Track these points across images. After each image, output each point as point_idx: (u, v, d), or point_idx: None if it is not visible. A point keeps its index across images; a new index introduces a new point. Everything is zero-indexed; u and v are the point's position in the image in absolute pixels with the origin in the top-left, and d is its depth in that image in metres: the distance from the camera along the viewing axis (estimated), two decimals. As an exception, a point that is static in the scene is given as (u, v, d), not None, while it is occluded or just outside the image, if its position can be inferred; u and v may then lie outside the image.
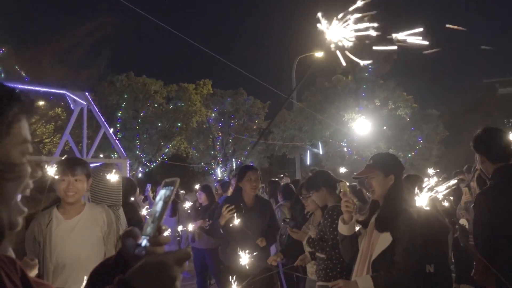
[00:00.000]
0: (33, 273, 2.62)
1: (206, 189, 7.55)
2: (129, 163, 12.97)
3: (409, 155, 23.37)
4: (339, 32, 1.71)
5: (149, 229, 1.09)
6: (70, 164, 2.86)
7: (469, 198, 5.45)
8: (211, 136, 30.23)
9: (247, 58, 69.80)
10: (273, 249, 6.35)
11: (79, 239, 2.85)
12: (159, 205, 1.11)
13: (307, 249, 4.31)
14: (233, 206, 4.33)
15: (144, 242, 1.07)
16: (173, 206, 6.98)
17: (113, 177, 3.24)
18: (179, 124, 28.43)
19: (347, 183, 3.51)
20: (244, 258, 4.01)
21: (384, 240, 2.71)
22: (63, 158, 2.95)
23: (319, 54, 20.60)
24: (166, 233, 1.12)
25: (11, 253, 2.37)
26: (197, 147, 30.47)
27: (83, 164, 2.96)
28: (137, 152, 27.70)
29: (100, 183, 3.45)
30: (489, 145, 3.05)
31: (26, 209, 0.96)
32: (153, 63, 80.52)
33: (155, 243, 1.07)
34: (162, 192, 1.13)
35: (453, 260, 7.07)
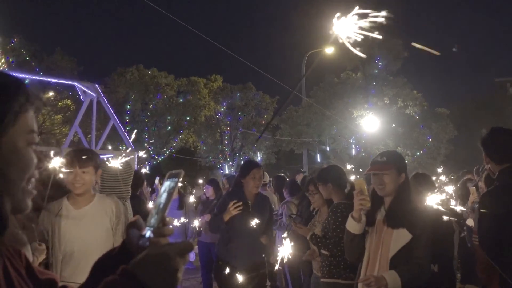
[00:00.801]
0: (41, 257, 2.67)
1: (213, 183, 7.56)
2: (137, 156, 13.06)
3: (418, 153, 23.27)
4: (348, 27, 1.71)
5: (153, 220, 1.10)
6: (78, 156, 2.87)
7: (477, 198, 5.44)
8: (219, 131, 30.30)
9: (257, 53, 69.70)
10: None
11: (88, 228, 2.89)
12: (163, 197, 1.11)
13: (312, 245, 4.32)
14: (240, 203, 4.25)
15: (148, 233, 1.08)
16: (180, 199, 7.01)
17: (122, 168, 3.27)
18: (188, 118, 28.53)
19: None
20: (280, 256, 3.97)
21: (401, 236, 2.73)
22: (70, 149, 2.97)
23: (329, 50, 20.56)
24: (176, 224, 1.13)
25: (28, 249, 2.43)
26: (205, 141, 30.56)
27: (91, 155, 2.97)
28: (145, 144, 27.83)
29: (109, 175, 3.48)
30: (494, 146, 3.05)
31: (34, 191, 0.98)
32: (164, 57, 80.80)
33: (159, 234, 1.08)
34: (167, 184, 1.14)
35: (458, 260, 7.05)
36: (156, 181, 8.58)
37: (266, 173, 8.22)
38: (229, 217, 4.28)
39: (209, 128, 30.01)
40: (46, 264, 2.82)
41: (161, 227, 1.08)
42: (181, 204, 6.89)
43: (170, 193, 1.11)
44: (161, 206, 1.10)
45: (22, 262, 1.07)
